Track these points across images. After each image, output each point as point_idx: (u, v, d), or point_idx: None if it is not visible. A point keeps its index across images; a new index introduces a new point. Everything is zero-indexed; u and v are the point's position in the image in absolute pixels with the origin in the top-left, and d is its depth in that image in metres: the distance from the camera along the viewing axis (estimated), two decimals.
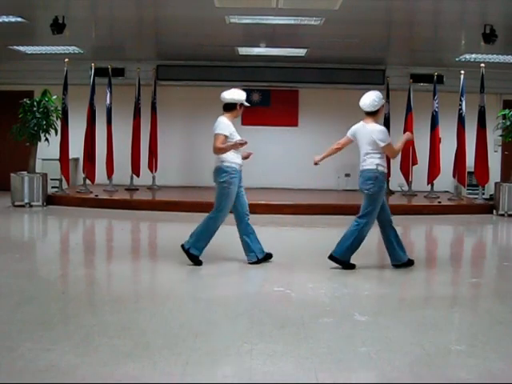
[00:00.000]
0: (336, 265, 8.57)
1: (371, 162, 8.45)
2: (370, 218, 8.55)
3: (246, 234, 8.89)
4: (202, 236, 8.67)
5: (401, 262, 8.71)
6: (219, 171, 8.60)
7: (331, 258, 8.59)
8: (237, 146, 8.48)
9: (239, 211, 8.88)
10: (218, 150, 8.48)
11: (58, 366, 4.70)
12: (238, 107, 8.70)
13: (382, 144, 8.39)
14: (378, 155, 8.43)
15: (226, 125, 8.54)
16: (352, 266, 8.60)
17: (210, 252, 9.14)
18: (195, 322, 6.03)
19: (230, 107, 8.67)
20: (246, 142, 8.48)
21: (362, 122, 8.70)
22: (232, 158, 8.59)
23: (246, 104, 8.80)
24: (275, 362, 4.93)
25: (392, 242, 8.67)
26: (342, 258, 8.57)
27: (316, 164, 9.10)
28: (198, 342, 5.39)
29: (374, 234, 9.09)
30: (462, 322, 6.42)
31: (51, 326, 5.74)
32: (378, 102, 8.51)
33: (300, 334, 5.68)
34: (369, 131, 8.48)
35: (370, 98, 8.49)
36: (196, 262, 8.63)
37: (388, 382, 4.63)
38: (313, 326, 5.96)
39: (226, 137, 8.47)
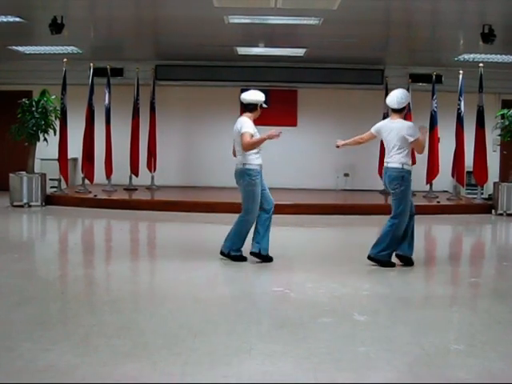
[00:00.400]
0: (370, 263, 8.72)
1: (397, 159, 8.57)
2: (403, 217, 8.63)
3: (263, 226, 8.92)
4: (237, 238, 8.85)
5: (404, 254, 8.79)
6: (242, 174, 8.70)
7: (370, 258, 8.72)
8: (273, 135, 8.55)
9: (264, 207, 8.89)
10: (251, 146, 8.56)
11: (57, 366, 4.70)
12: (258, 108, 8.81)
13: (412, 139, 8.51)
14: (405, 152, 8.55)
15: (250, 123, 8.66)
16: (392, 264, 8.70)
17: (208, 252, 9.16)
18: (194, 322, 6.02)
19: (250, 108, 8.79)
20: (280, 132, 8.60)
21: (388, 119, 8.93)
22: (253, 160, 8.67)
23: (265, 105, 8.91)
24: (274, 361, 4.93)
25: (406, 231, 8.73)
26: (381, 258, 8.67)
27: (337, 147, 9.27)
28: (197, 342, 5.39)
29: (372, 234, 9.10)
30: (461, 322, 6.42)
31: (50, 326, 5.74)
32: (405, 100, 8.70)
33: (299, 333, 5.68)
34: (398, 127, 8.62)
35: (397, 96, 8.66)
36: (241, 259, 8.84)
37: (387, 382, 4.63)
38: (312, 325, 5.96)
39: (252, 135, 8.57)
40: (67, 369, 4.64)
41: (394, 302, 7.12)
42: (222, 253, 8.87)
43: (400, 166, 8.53)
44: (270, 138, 8.53)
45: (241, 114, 8.99)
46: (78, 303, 6.76)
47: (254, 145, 8.56)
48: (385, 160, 8.82)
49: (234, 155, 8.94)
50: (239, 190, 8.84)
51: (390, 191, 8.71)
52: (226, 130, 18.39)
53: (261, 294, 7.26)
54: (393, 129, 8.65)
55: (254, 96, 8.78)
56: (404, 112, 8.81)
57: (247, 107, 8.80)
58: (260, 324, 5.97)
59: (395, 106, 8.68)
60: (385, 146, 8.85)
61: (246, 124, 8.61)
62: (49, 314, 6.18)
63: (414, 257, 8.89)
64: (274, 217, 12.88)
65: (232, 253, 8.80)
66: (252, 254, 8.80)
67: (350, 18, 12.24)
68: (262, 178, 8.79)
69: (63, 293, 7.34)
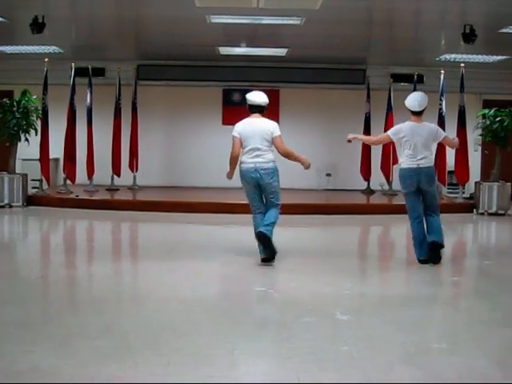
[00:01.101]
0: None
1: (431, 159, 9.02)
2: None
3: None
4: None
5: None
6: (275, 171, 8.83)
7: (438, 245, 8.90)
8: (305, 163, 9.16)
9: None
10: (288, 153, 8.96)
11: (40, 367, 4.67)
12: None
13: (444, 134, 9.28)
14: (433, 151, 8.84)
15: None
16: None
17: (190, 252, 9.17)
18: (177, 322, 6.01)
19: (263, 110, 9.01)
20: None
21: (412, 122, 9.06)
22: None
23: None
24: (257, 361, 4.94)
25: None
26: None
27: (349, 141, 9.39)
28: (180, 342, 5.39)
29: (354, 233, 9.12)
30: (443, 321, 6.45)
31: (32, 327, 5.71)
32: (426, 101, 9.07)
33: (282, 333, 5.69)
34: (431, 128, 9.14)
35: (420, 98, 9.03)
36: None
37: (370, 382, 4.64)
38: (295, 325, 5.97)
39: None
40: (49, 370, 4.62)
41: (377, 301, 7.15)
42: (268, 238, 8.65)
43: (433, 164, 9.06)
44: (303, 162, 9.03)
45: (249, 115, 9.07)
46: (60, 304, 6.74)
47: (290, 154, 8.94)
48: (417, 162, 8.81)
49: (237, 154, 8.93)
50: (265, 186, 8.79)
51: (429, 188, 8.90)
52: (208, 130, 18.47)
53: (244, 294, 7.25)
54: (426, 130, 9.02)
55: (266, 98, 9.03)
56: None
57: (262, 109, 8.97)
58: (243, 324, 5.97)
59: (420, 109, 9.02)
60: (409, 147, 8.88)
61: (278, 127, 8.88)
62: (30, 315, 6.15)
63: (395, 256, 8.93)
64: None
65: None
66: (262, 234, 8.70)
67: (331, 17, 12.26)
68: None
69: (45, 294, 7.31)
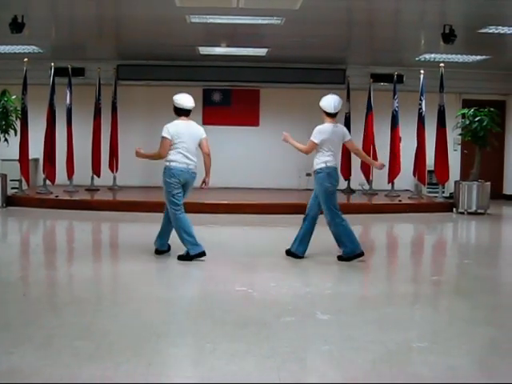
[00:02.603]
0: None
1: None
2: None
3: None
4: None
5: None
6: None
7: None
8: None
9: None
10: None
11: (20, 368, 4.66)
12: None
13: (349, 137, 9.38)
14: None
15: None
16: None
17: (170, 253, 9.16)
18: (157, 322, 6.01)
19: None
20: None
21: (331, 124, 9.14)
22: None
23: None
24: (237, 361, 4.94)
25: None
26: None
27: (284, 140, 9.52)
28: (160, 342, 5.38)
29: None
30: (423, 320, 6.47)
31: (12, 328, 5.69)
32: (341, 105, 9.25)
33: (262, 333, 5.69)
34: (342, 130, 9.40)
35: (337, 102, 9.11)
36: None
37: (351, 382, 4.65)
38: (275, 325, 5.97)
39: None
40: (30, 371, 4.60)
41: (357, 301, 7.16)
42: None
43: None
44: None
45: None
46: (40, 305, 6.71)
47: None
48: (332, 162, 9.04)
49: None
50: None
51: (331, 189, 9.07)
52: None
53: (224, 294, 7.25)
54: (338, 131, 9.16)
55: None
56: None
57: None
58: (223, 324, 5.96)
59: (333, 111, 9.07)
60: (330, 148, 9.04)
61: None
62: (10, 316, 6.13)
63: (374, 255, 8.94)
64: (236, 216, 12.95)
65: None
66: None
67: (311, 17, 12.26)
68: None
69: (25, 295, 7.27)
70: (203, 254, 8.88)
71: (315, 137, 8.93)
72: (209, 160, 9.24)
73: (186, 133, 9.06)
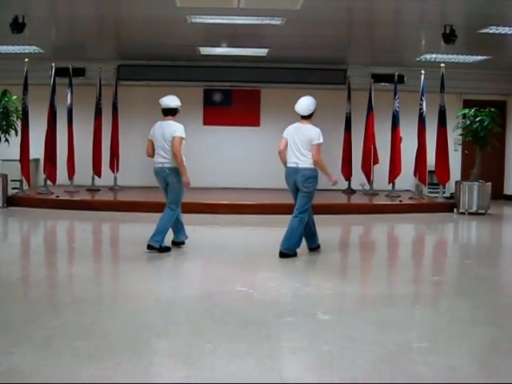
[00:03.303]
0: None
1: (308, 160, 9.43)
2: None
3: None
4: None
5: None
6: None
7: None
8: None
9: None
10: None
11: (20, 368, 4.66)
12: None
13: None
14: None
15: None
16: None
17: (172, 252, 9.16)
18: (157, 322, 6.01)
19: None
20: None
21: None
22: None
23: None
24: (238, 361, 4.93)
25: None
26: None
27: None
28: (160, 342, 5.39)
29: (334, 233, 9.14)
30: (423, 320, 6.47)
31: (12, 328, 5.69)
32: (314, 107, 9.60)
33: (262, 333, 5.69)
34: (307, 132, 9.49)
35: (307, 104, 9.54)
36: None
37: (351, 382, 4.65)
38: (275, 325, 5.98)
39: None
40: (30, 371, 4.61)
41: (357, 301, 7.17)
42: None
43: (312, 166, 9.24)
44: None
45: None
46: (40, 305, 6.71)
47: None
48: (293, 160, 9.31)
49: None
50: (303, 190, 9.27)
51: (303, 189, 9.26)
52: (189, 130, 18.33)
53: (224, 294, 7.24)
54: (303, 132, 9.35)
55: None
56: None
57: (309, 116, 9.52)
58: (223, 324, 5.96)
59: (305, 113, 9.42)
60: (291, 147, 9.37)
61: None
62: (10, 316, 6.13)
63: (375, 256, 8.94)
64: (237, 217, 12.96)
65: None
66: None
67: (312, 18, 12.25)
68: None
69: (25, 295, 7.28)
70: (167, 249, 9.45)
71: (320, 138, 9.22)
72: (176, 159, 9.33)
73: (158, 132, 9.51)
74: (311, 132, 9.26)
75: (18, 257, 9.90)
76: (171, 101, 9.72)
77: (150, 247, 9.20)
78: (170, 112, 9.65)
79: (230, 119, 18.26)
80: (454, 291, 7.89)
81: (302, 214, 9.25)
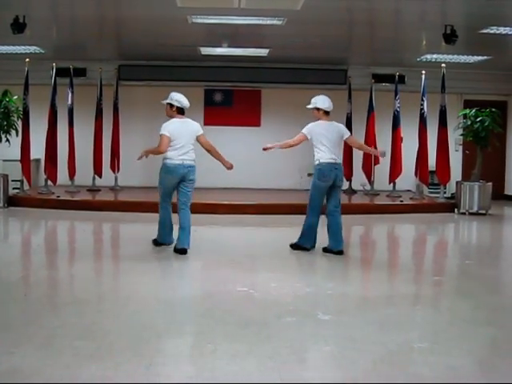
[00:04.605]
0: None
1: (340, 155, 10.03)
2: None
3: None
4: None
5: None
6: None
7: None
8: None
9: None
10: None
11: (21, 368, 4.65)
12: None
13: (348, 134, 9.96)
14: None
15: None
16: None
17: (171, 253, 9.16)
18: (158, 322, 6.01)
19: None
20: None
21: (325, 121, 9.85)
22: None
23: None
24: (239, 361, 4.93)
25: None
26: None
27: (264, 150, 10.55)
28: (161, 342, 5.38)
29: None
30: (424, 320, 6.46)
31: (13, 328, 5.69)
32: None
33: (263, 333, 5.68)
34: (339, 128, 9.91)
35: (330, 101, 9.94)
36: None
37: (351, 382, 4.65)
38: (276, 325, 5.97)
39: None
40: (31, 371, 4.60)
41: (358, 301, 7.15)
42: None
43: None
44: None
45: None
46: (41, 305, 6.70)
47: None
48: (331, 157, 9.45)
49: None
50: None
51: (337, 185, 9.49)
52: None
53: (225, 294, 7.24)
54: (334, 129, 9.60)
55: None
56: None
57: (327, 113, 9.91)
58: (224, 324, 5.96)
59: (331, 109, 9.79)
60: (326, 144, 9.51)
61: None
62: (11, 317, 6.12)
63: (376, 256, 8.94)
64: (238, 217, 12.97)
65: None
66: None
67: (313, 18, 12.26)
68: None
69: (26, 295, 7.27)
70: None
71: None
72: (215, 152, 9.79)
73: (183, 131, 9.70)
74: (340, 128, 9.76)
75: (18, 257, 9.91)
76: (187, 100, 9.97)
77: (184, 251, 9.18)
78: (184, 110, 9.93)
79: (230, 119, 18.27)
80: (454, 291, 7.89)
81: (339, 207, 9.57)
